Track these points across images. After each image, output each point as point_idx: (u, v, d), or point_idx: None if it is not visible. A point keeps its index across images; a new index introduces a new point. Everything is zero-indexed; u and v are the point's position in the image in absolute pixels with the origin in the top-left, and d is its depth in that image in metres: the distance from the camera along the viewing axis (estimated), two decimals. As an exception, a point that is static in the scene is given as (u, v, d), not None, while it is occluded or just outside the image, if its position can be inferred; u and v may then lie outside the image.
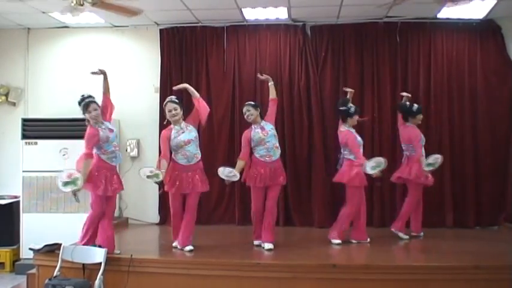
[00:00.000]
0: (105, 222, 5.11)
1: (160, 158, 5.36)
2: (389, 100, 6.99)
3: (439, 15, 6.82)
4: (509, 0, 6.20)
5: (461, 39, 7.04)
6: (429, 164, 5.99)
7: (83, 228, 5.10)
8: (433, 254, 5.45)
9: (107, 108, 5.23)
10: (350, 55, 7.13)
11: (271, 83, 5.81)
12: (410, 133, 6.09)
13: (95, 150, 5.04)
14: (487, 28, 7.00)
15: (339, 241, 5.73)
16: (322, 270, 4.78)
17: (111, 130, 5.17)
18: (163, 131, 5.46)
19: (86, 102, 5.03)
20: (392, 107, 6.81)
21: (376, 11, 6.26)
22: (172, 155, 5.38)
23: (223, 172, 5.56)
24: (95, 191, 5.01)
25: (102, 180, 5.00)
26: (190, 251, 5.31)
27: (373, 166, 5.67)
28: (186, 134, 5.38)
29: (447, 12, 6.68)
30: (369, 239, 5.84)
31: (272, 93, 5.80)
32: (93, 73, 5.30)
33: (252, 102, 5.74)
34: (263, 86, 7.00)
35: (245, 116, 5.66)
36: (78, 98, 5.10)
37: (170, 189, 5.37)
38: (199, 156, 5.45)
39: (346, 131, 5.84)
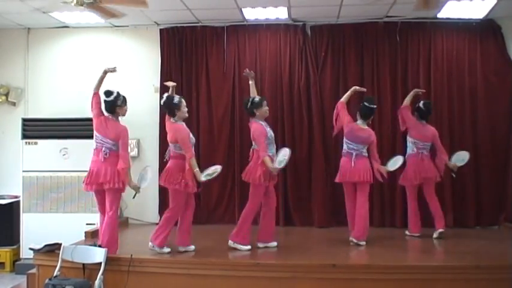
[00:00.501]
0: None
1: (189, 158, 5.04)
2: (390, 100, 6.98)
3: (439, 15, 6.81)
4: (509, 0, 6.20)
5: (461, 39, 7.04)
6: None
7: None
8: (433, 254, 5.45)
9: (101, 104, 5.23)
10: (350, 55, 7.13)
11: (252, 82, 5.73)
12: (434, 131, 6.19)
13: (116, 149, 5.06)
14: (487, 28, 7.00)
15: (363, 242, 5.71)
16: (322, 270, 4.77)
17: None
18: (183, 127, 5.20)
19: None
20: (392, 106, 6.81)
21: (376, 10, 6.26)
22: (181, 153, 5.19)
23: (278, 155, 5.29)
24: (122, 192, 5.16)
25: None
26: (193, 250, 5.31)
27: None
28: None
29: (447, 12, 6.68)
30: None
31: (253, 92, 5.69)
32: (108, 69, 5.35)
33: None
34: (263, 86, 7.01)
35: (264, 110, 5.44)
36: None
37: (198, 188, 5.22)
38: None
39: (370, 129, 5.84)
